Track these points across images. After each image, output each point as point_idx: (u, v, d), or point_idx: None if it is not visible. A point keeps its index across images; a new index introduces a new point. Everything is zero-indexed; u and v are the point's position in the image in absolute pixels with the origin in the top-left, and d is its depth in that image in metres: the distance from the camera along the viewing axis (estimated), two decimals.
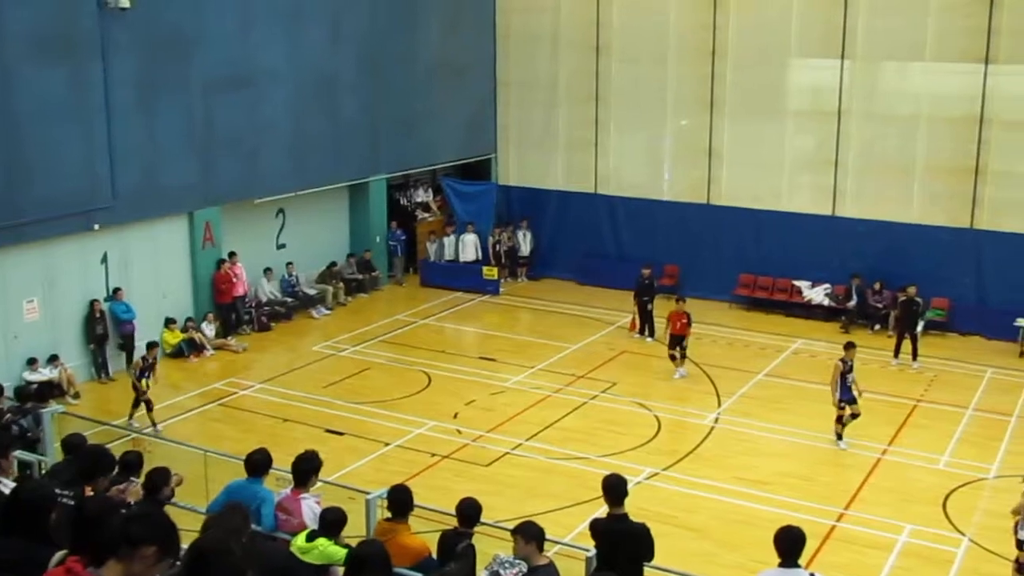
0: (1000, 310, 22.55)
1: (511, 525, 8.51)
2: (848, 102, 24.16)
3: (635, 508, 9.63)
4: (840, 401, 16.87)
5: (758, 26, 24.87)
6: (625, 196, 26.94)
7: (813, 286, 24.56)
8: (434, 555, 8.65)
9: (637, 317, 22.70)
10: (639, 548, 8.68)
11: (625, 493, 8.93)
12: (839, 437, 17.05)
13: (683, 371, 20.23)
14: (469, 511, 8.62)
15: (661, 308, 22.14)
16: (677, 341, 20.22)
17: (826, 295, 24.40)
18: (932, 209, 23.63)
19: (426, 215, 28.50)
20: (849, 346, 17.37)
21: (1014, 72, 22.70)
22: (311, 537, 8.33)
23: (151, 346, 17.95)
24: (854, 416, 17.02)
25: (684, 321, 20.14)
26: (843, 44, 23.87)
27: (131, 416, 17.53)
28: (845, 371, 16.87)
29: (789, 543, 7.82)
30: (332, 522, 8.42)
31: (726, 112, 25.46)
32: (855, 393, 16.94)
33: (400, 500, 8.78)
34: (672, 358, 20.31)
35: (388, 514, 8.98)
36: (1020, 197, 22.91)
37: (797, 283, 24.72)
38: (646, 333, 22.48)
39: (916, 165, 23.68)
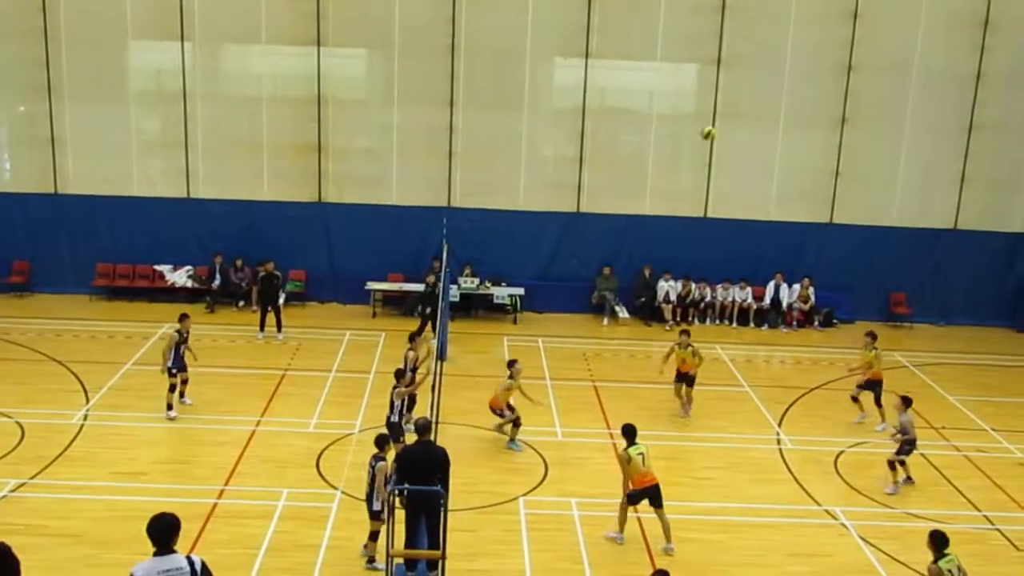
0: (352, 277, 24.40)
1: None
2: (192, 84, 24.28)
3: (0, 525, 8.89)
4: (171, 369, 17.38)
5: (93, 5, 23.89)
6: None
7: (175, 269, 24.57)
8: None
9: None
10: None
11: None
12: (170, 407, 17.40)
13: None
14: None
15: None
16: None
17: (189, 277, 24.51)
18: (282, 186, 24.76)
19: None
20: (183, 317, 17.93)
21: (342, 55, 24.54)
22: None
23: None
24: (184, 383, 17.70)
25: None
26: (182, 26, 23.88)
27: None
28: (180, 341, 17.49)
29: (158, 531, 7.88)
30: None
31: (66, 96, 24.18)
32: (187, 361, 17.70)
33: None
34: None
35: None
36: (357, 171, 24.92)
37: (158, 268, 24.57)
38: None
39: (263, 144, 24.59)
